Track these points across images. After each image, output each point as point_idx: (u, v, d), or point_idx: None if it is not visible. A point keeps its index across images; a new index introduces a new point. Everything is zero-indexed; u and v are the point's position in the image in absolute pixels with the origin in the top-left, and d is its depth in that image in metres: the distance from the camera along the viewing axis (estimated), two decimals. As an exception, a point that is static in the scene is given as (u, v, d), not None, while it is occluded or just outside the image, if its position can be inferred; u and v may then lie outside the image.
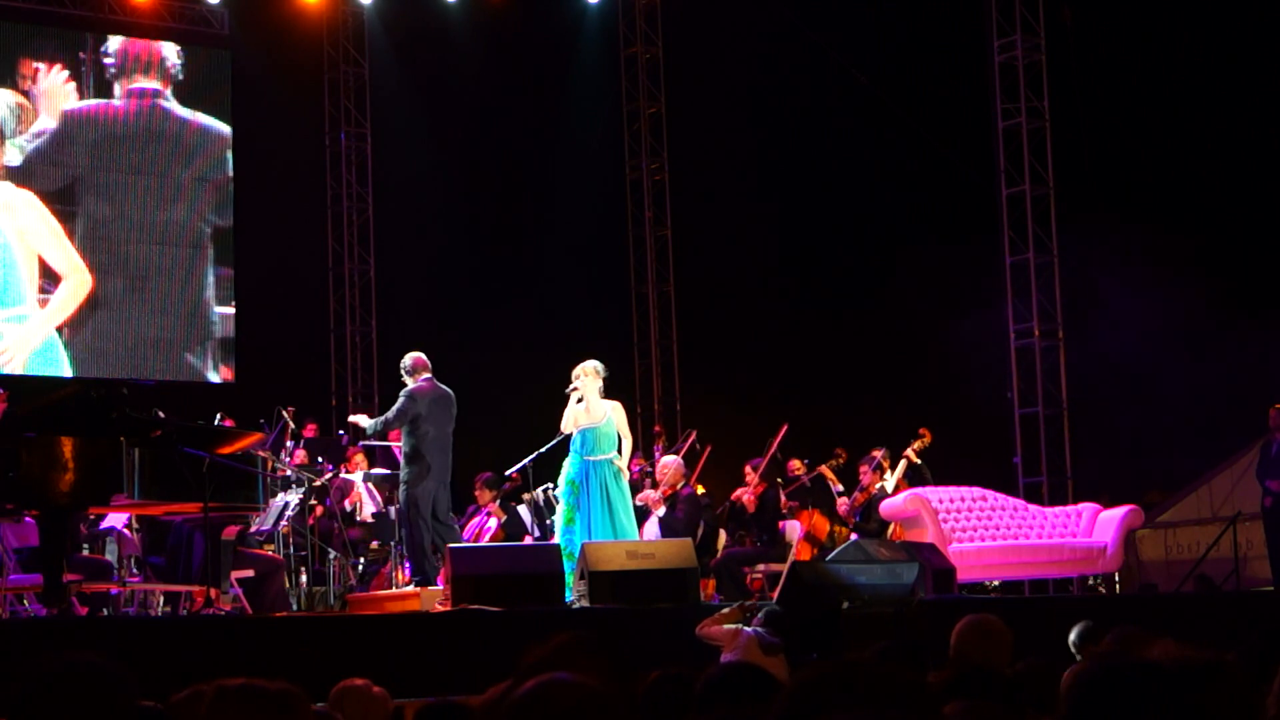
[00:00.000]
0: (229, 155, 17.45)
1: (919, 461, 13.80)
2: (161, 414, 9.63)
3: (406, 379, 11.33)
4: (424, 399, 11.16)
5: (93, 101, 16.81)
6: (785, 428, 14.07)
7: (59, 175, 16.55)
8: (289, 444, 14.62)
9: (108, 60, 16.84)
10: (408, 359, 11.40)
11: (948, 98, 17.25)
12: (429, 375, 11.30)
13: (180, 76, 17.22)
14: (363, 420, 11.70)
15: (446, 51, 18.76)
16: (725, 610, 8.59)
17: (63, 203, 16.53)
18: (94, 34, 16.93)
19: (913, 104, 16.97)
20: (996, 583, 13.77)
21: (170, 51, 17.23)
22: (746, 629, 8.04)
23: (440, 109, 18.85)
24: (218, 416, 12.44)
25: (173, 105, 17.23)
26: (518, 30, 18.57)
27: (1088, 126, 16.50)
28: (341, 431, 17.35)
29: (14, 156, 16.27)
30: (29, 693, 2.63)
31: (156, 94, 17.10)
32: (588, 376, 11.28)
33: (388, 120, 19.20)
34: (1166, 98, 15.93)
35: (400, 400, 11.22)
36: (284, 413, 14.37)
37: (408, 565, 11.64)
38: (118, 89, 16.89)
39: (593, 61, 19.65)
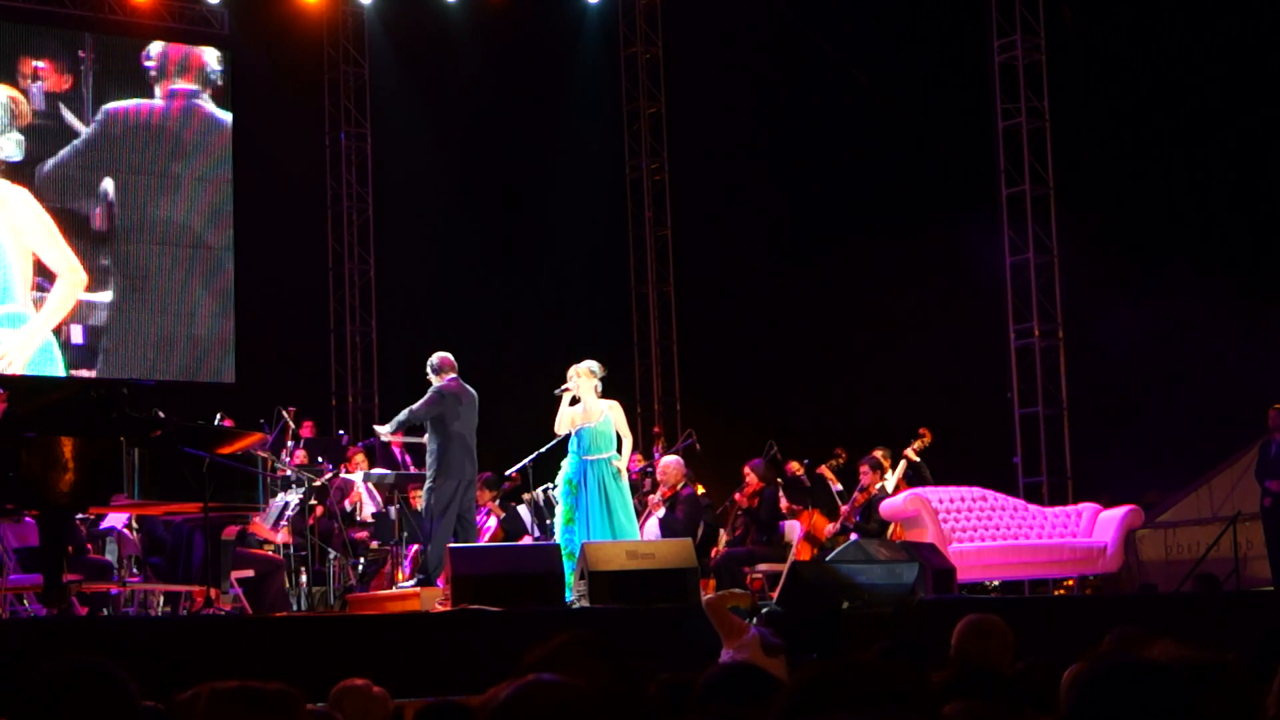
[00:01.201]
0: (230, 154, 17.48)
1: (919, 461, 13.80)
2: (161, 414, 9.62)
3: (433, 377, 11.28)
4: (450, 397, 11.15)
5: (88, 95, 16.84)
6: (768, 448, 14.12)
7: (56, 174, 16.57)
8: (289, 444, 14.62)
9: (84, 55, 16.94)
10: (435, 358, 11.35)
11: (948, 98, 17.24)
12: (455, 375, 11.29)
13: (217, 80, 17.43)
14: (382, 430, 11.68)
15: (446, 51, 18.76)
16: (738, 592, 8.58)
17: (60, 201, 16.55)
18: (93, 33, 16.97)
19: (913, 104, 16.97)
20: (996, 583, 13.76)
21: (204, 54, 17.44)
22: (754, 628, 8.03)
23: (440, 109, 18.84)
24: (218, 416, 12.44)
25: (171, 104, 17.28)
26: (518, 30, 18.57)
27: (1088, 126, 16.50)
28: (341, 431, 17.35)
29: (11, 152, 16.28)
30: (31, 693, 2.62)
31: (188, 94, 17.23)
32: (582, 377, 11.26)
33: (388, 120, 19.19)
34: (1166, 98, 15.93)
35: (429, 394, 11.20)
36: (284, 413, 14.37)
37: (408, 565, 11.63)
38: (106, 89, 16.95)
39: (593, 61, 19.64)
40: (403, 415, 11.40)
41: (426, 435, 11.40)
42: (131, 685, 2.68)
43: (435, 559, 10.91)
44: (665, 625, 9.01)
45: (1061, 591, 14.23)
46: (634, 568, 9.79)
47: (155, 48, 17.17)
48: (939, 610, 8.57)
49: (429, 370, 11.36)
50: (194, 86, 17.27)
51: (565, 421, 11.22)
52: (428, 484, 11.18)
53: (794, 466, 14.62)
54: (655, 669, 3.47)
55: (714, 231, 18.84)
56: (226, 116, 17.48)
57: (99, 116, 16.77)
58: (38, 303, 16.25)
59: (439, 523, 10.94)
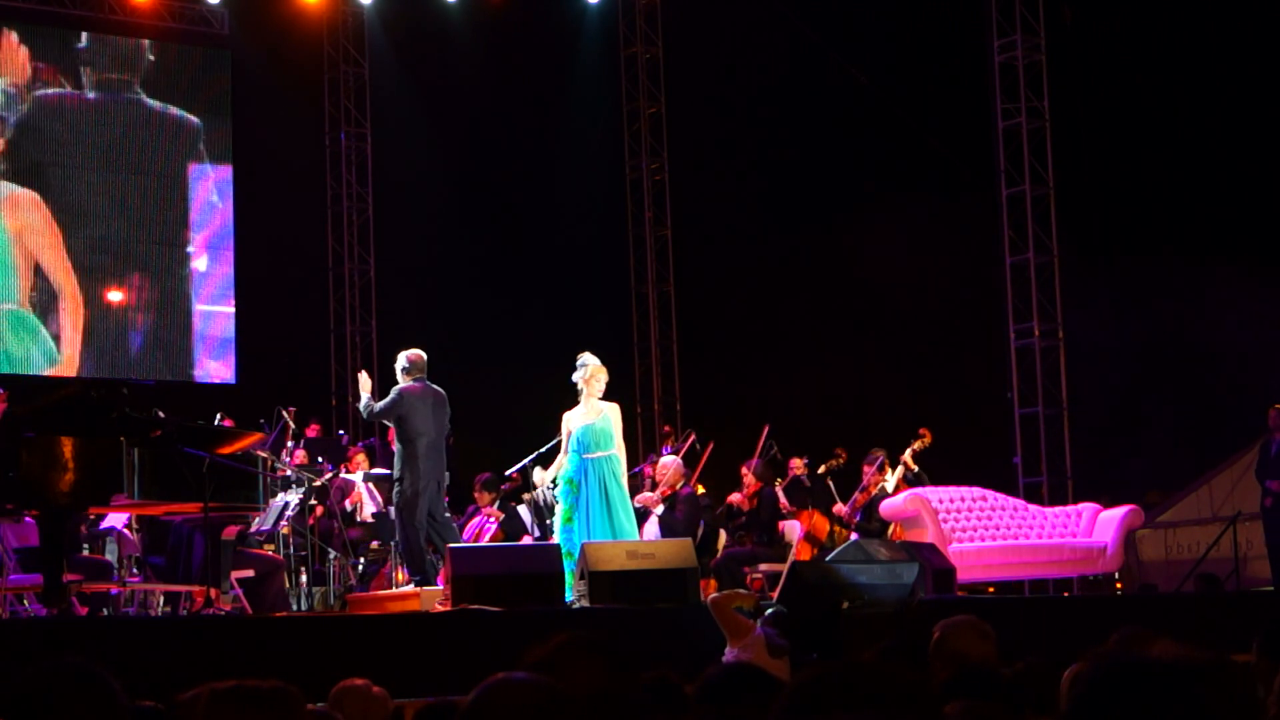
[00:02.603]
0: (230, 153, 17.49)
1: (915, 469, 13.75)
2: (161, 414, 9.62)
3: (399, 376, 11.22)
4: (412, 399, 11.07)
5: (87, 95, 16.84)
6: (766, 429, 14.06)
7: (57, 174, 16.58)
8: (289, 444, 14.62)
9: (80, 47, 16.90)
10: (404, 357, 11.17)
11: (948, 98, 17.24)
12: (422, 376, 11.18)
13: (155, 70, 17.29)
14: (364, 388, 11.33)
15: (446, 51, 18.76)
16: (743, 593, 8.57)
17: (61, 201, 16.55)
18: (92, 33, 16.96)
19: (913, 104, 16.96)
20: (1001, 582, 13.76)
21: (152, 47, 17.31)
22: (760, 628, 8.03)
23: (440, 109, 18.85)
24: (218, 416, 12.43)
25: (173, 104, 17.28)
26: (518, 30, 18.57)
27: (1088, 126, 16.50)
28: (341, 431, 17.36)
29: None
30: (17, 695, 2.61)
31: (133, 88, 17.14)
32: (597, 378, 11.19)
33: (388, 120, 19.20)
34: (1166, 98, 15.93)
35: (391, 395, 11.15)
36: (284, 413, 14.36)
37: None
38: (96, 83, 16.92)
39: (593, 61, 19.64)
40: (371, 405, 11.25)
41: (394, 436, 11.32)
42: (117, 687, 2.67)
43: (411, 559, 10.91)
44: (665, 625, 9.01)
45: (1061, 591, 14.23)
46: (634, 568, 9.78)
47: (85, 37, 16.93)
48: (939, 610, 8.56)
49: (397, 368, 11.23)
50: (124, 76, 17.08)
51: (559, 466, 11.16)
52: (395, 486, 11.14)
53: (796, 463, 14.60)
54: (643, 669, 3.46)
55: (714, 231, 18.84)
56: (186, 110, 17.29)
57: (26, 108, 16.47)
58: (37, 303, 16.25)
59: (410, 527, 10.92)
